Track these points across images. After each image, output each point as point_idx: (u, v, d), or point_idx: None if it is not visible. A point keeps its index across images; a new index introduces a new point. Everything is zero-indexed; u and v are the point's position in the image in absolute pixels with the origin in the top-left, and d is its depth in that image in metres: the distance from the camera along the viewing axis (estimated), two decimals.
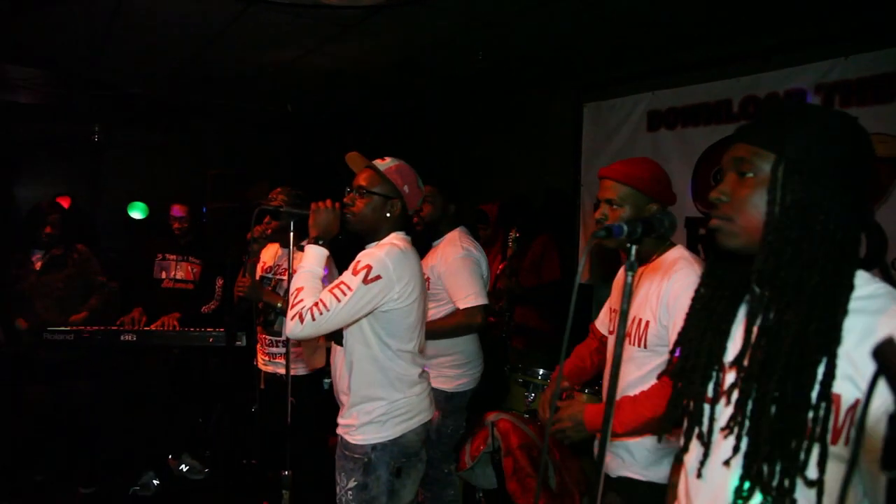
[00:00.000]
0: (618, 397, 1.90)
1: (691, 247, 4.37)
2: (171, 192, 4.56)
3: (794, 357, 1.03)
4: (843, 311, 1.03)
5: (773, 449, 1.04)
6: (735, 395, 1.13)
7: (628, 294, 1.15)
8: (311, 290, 2.16)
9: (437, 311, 3.19)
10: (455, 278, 3.08)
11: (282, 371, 3.36)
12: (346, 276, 2.16)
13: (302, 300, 2.12)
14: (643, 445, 1.99)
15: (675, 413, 1.28)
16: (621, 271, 2.26)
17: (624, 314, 1.13)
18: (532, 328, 4.38)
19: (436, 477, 3.22)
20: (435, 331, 3.02)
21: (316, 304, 2.09)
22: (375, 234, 2.34)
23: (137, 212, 6.06)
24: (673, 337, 1.76)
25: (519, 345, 4.38)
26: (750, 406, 1.09)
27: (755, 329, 1.12)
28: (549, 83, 5.34)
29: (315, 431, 3.77)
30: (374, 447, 2.28)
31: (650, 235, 1.17)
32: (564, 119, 5.20)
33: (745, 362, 1.12)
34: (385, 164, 2.36)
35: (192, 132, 6.87)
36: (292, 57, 4.75)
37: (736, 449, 1.11)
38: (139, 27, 4.13)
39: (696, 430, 1.23)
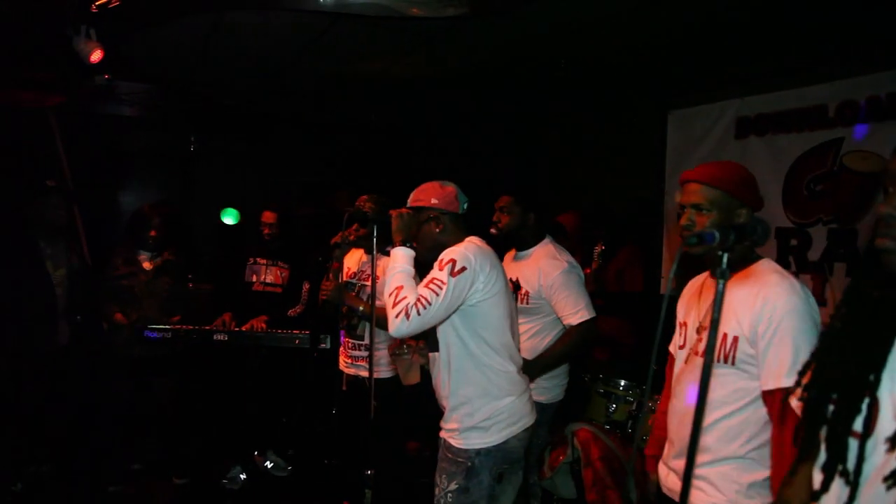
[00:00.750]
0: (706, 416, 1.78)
1: (782, 259, 4.20)
2: (261, 198, 4.76)
3: None
4: None
5: None
6: None
7: (719, 303, 1.13)
8: (409, 288, 2.26)
9: (533, 326, 3.18)
10: (564, 293, 3.06)
11: (363, 374, 3.45)
12: (434, 272, 2.25)
13: (405, 297, 2.21)
14: (730, 478, 1.82)
15: (806, 443, 1.16)
16: (694, 284, 2.15)
17: (715, 322, 1.11)
18: (615, 340, 4.32)
19: (523, 487, 3.23)
20: (554, 358, 3.07)
21: (418, 300, 2.18)
22: (444, 249, 2.39)
23: (230, 217, 6.33)
24: (780, 361, 1.70)
25: (601, 355, 4.32)
26: None
27: None
28: (633, 91, 5.26)
29: (395, 434, 3.84)
30: (478, 452, 2.32)
31: (743, 243, 1.15)
32: (649, 127, 5.11)
33: None
34: (410, 197, 2.53)
35: (280, 142, 7.14)
36: (377, 68, 4.87)
37: None
38: (235, 41, 4.34)
39: (840, 468, 1.10)
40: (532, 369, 2.90)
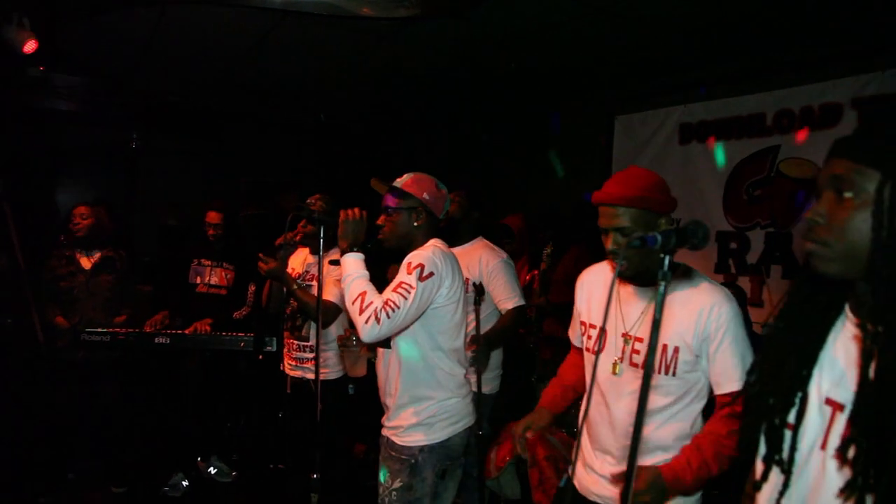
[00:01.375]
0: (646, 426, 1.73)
1: (722, 262, 4.33)
2: (206, 198, 4.65)
3: None
4: None
5: None
6: (852, 449, 1.01)
7: (660, 304, 1.15)
8: (373, 292, 2.23)
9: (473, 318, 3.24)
10: (503, 280, 3.35)
11: (309, 376, 3.40)
12: (402, 276, 2.23)
13: (371, 302, 2.18)
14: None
15: (752, 437, 1.21)
16: (595, 281, 2.14)
17: (657, 323, 1.13)
18: (560, 339, 4.37)
19: (466, 483, 3.24)
20: (497, 337, 3.26)
21: (386, 304, 2.16)
22: (411, 245, 2.42)
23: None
24: (732, 365, 1.74)
25: (547, 355, 4.37)
26: (871, 458, 0.98)
27: (871, 370, 0.99)
28: (580, 95, 5.35)
29: (341, 437, 3.80)
30: (421, 449, 2.32)
31: (684, 246, 1.17)
32: (596, 131, 5.20)
33: (856, 411, 1.03)
34: (402, 180, 2.47)
35: (226, 140, 6.99)
36: (326, 66, 4.82)
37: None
38: (178, 37, 4.24)
39: (776, 458, 1.16)
40: (482, 348, 3.03)
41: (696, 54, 4.20)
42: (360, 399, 3.13)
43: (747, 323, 1.95)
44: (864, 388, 1.00)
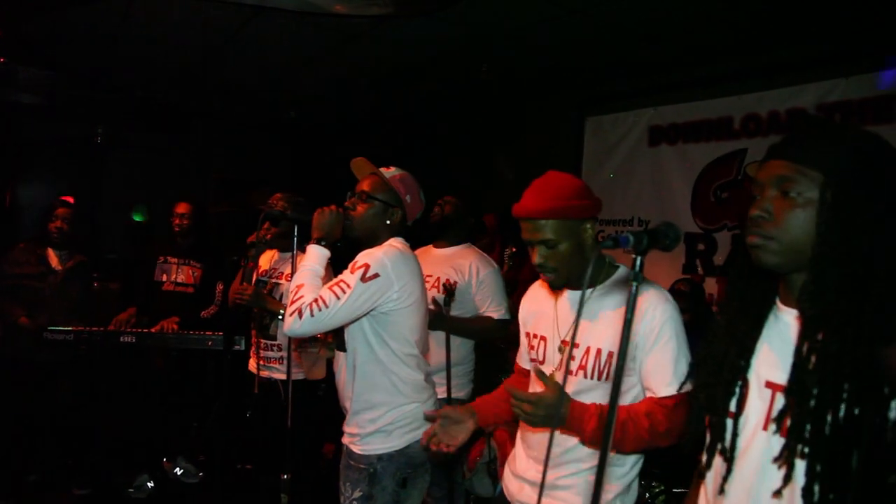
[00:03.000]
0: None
1: (690, 263, 4.39)
2: (173, 195, 4.57)
3: (855, 383, 1.01)
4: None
5: (844, 477, 1.01)
6: (787, 421, 1.10)
7: (632, 308, 1.16)
8: (311, 287, 2.16)
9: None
10: (493, 289, 3.30)
11: (276, 375, 3.37)
12: (345, 274, 2.15)
13: (302, 296, 2.12)
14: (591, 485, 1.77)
15: (697, 428, 1.27)
16: (537, 293, 2.10)
17: (629, 323, 1.14)
18: None
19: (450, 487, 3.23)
20: (466, 325, 3.22)
21: (315, 301, 2.08)
22: (374, 240, 2.34)
23: (138, 217, 6.08)
24: (665, 367, 1.70)
25: (514, 355, 4.39)
26: (807, 434, 1.06)
27: (804, 352, 1.08)
28: (551, 96, 5.38)
29: (310, 437, 3.77)
30: (379, 457, 2.25)
31: (655, 247, 1.18)
32: (566, 132, 5.23)
33: (792, 384, 1.10)
34: (389, 172, 2.38)
35: (195, 136, 6.89)
36: (297, 64, 4.78)
37: (787, 478, 1.09)
38: (147, 31, 4.16)
39: (719, 446, 1.22)
40: (444, 321, 3.04)
41: (667, 58, 4.26)
42: (329, 399, 3.10)
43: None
44: (799, 364, 1.08)
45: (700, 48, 4.02)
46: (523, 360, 2.15)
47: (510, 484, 2.03)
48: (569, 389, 1.80)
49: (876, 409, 1.00)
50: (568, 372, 1.83)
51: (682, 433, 1.49)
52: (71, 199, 4.25)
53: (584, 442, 1.76)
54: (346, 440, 2.38)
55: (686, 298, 3.79)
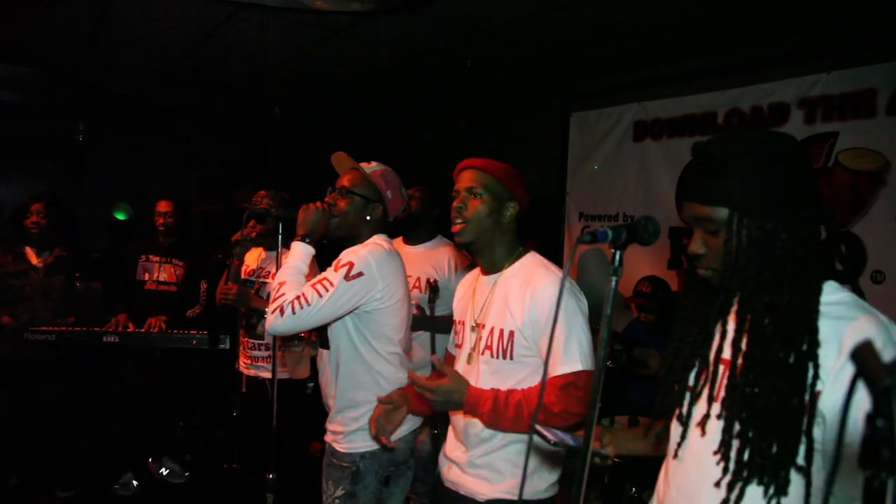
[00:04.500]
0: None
1: (675, 257, 4.40)
2: (155, 193, 4.53)
3: (781, 354, 1.17)
4: (815, 317, 1.18)
5: (769, 438, 1.16)
6: (723, 390, 1.27)
7: (612, 300, 1.16)
8: (293, 284, 2.15)
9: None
10: None
11: (264, 374, 3.36)
12: (329, 272, 2.15)
13: (284, 294, 2.11)
14: (508, 460, 1.88)
15: (665, 402, 1.41)
16: (465, 281, 2.20)
17: (608, 318, 1.14)
18: None
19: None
20: (446, 327, 3.12)
21: (297, 298, 2.07)
22: (356, 237, 2.34)
23: (121, 215, 6.02)
24: (547, 346, 1.72)
25: None
26: (742, 400, 1.21)
27: (743, 334, 1.25)
28: (536, 92, 5.38)
29: (297, 436, 3.75)
30: (362, 455, 2.25)
31: (634, 241, 1.19)
32: (551, 128, 5.23)
33: (733, 359, 1.26)
34: (370, 167, 2.37)
35: (178, 134, 6.82)
36: (281, 60, 4.75)
37: (726, 442, 1.22)
38: (127, 27, 4.12)
39: (677, 412, 1.37)
40: (427, 322, 3.04)
41: (651, 53, 4.27)
42: (316, 398, 3.09)
43: None
44: (733, 341, 1.26)
45: (683, 43, 4.03)
46: (450, 345, 2.23)
47: (442, 465, 2.12)
48: (487, 369, 1.91)
49: (787, 384, 1.16)
50: (481, 352, 1.94)
51: (579, 414, 1.74)
52: (50, 198, 4.18)
53: (484, 424, 1.86)
54: (328, 438, 2.38)
55: (648, 299, 3.79)
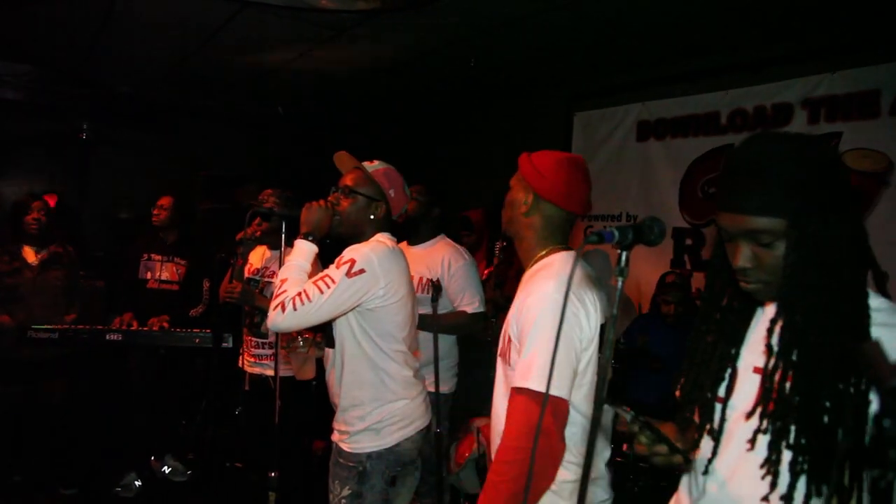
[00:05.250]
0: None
1: (678, 258, 4.40)
2: (159, 192, 4.54)
3: (835, 364, 1.13)
4: (868, 324, 1.14)
5: (825, 448, 1.11)
6: (762, 401, 1.21)
7: (618, 300, 1.16)
8: (295, 281, 2.15)
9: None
10: (465, 283, 3.32)
11: (268, 373, 3.35)
12: (331, 269, 2.15)
13: (286, 290, 2.11)
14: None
15: (687, 409, 1.36)
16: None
17: (614, 318, 1.14)
18: None
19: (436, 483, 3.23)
20: (450, 325, 3.21)
21: (298, 295, 2.07)
22: (360, 236, 2.33)
23: None
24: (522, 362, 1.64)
25: None
26: (795, 410, 1.16)
27: (779, 339, 1.21)
28: (540, 91, 5.37)
29: (300, 434, 3.75)
30: (369, 455, 2.24)
31: (640, 242, 1.18)
32: (554, 127, 5.23)
33: (776, 370, 1.20)
34: (373, 166, 2.37)
35: (182, 132, 6.82)
36: (285, 59, 4.75)
37: (775, 454, 1.17)
38: (132, 26, 4.12)
39: (708, 427, 1.31)
40: (428, 322, 2.99)
41: (655, 53, 4.26)
42: (320, 396, 3.10)
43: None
44: (782, 350, 1.21)
45: (687, 43, 4.03)
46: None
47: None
48: (500, 376, 1.87)
49: (846, 391, 1.11)
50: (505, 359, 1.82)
51: (515, 447, 1.57)
52: (52, 198, 4.17)
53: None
54: (335, 437, 2.37)
55: (679, 288, 3.83)
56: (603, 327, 1.74)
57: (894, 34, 3.38)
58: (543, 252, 1.84)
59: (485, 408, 3.43)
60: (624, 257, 1.17)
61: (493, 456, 1.81)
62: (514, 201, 1.90)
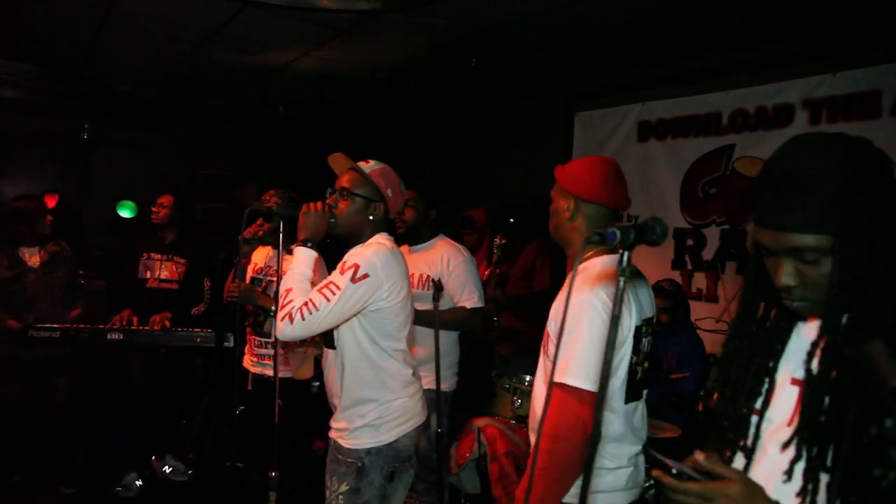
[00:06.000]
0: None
1: (679, 258, 4.40)
2: (159, 191, 4.54)
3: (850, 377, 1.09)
4: None
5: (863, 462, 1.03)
6: (799, 414, 1.17)
7: (620, 300, 1.16)
8: (300, 290, 2.16)
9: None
10: (465, 279, 3.34)
11: (270, 372, 3.35)
12: (335, 275, 2.15)
13: (291, 300, 2.12)
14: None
15: (725, 427, 1.31)
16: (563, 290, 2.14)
17: (616, 319, 1.14)
18: (519, 331, 4.39)
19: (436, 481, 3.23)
20: (442, 321, 3.11)
21: (305, 304, 2.08)
22: (358, 237, 2.35)
23: (126, 211, 6.01)
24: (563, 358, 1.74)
25: (506, 350, 4.39)
26: (814, 426, 1.13)
27: (816, 352, 1.17)
28: (541, 91, 5.38)
29: (301, 434, 3.75)
30: (368, 451, 2.26)
31: (642, 242, 1.18)
32: (555, 127, 5.23)
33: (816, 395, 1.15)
34: (369, 166, 2.37)
35: (183, 132, 6.82)
36: (286, 59, 4.75)
37: (812, 484, 1.12)
38: (132, 25, 4.12)
39: (742, 443, 1.27)
40: (423, 318, 3.01)
41: (655, 53, 4.26)
42: (320, 397, 3.10)
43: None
44: (823, 365, 1.15)
45: (688, 43, 4.03)
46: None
47: None
48: (541, 372, 1.98)
49: (868, 402, 1.04)
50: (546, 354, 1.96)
51: (560, 436, 1.70)
52: (53, 198, 4.17)
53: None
54: (333, 434, 2.39)
55: (672, 297, 3.81)
56: (638, 329, 1.85)
57: (895, 35, 3.38)
58: (590, 254, 1.94)
59: (485, 407, 3.44)
60: (626, 257, 1.17)
61: (533, 443, 1.92)
62: (558, 209, 2.01)
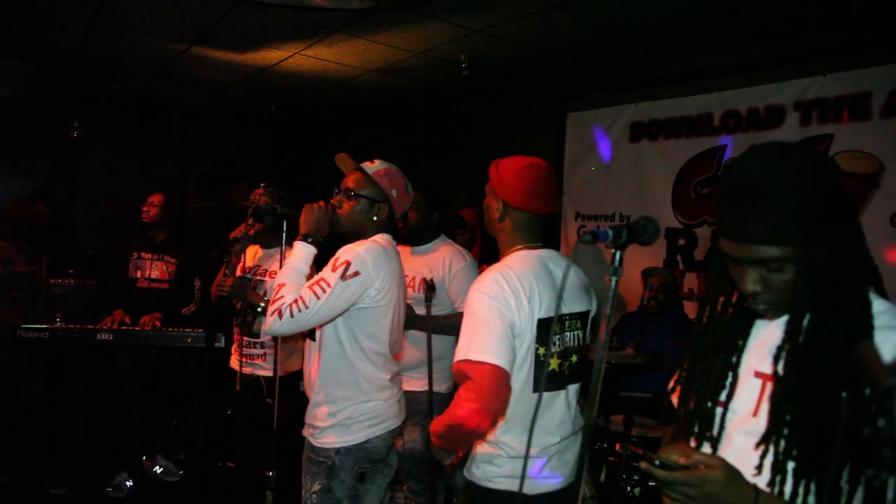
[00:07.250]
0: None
1: (671, 257, 4.41)
2: (150, 190, 4.51)
3: (827, 370, 1.15)
4: (873, 330, 1.15)
5: (826, 451, 1.10)
6: (769, 408, 1.22)
7: (613, 299, 1.16)
8: (293, 286, 2.15)
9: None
10: (466, 284, 3.26)
11: (259, 372, 3.34)
12: (326, 272, 2.14)
13: (283, 296, 2.11)
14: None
15: (688, 420, 1.37)
16: None
17: (609, 318, 1.14)
18: None
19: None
20: (440, 326, 3.16)
21: (296, 301, 2.08)
22: (361, 237, 2.33)
23: None
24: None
25: None
26: (798, 414, 1.17)
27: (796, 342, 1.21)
28: (532, 92, 5.38)
29: (292, 433, 3.74)
30: (338, 451, 2.25)
31: (634, 241, 1.19)
32: (548, 128, 5.24)
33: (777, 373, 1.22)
34: (374, 167, 2.36)
35: (174, 131, 6.80)
36: (278, 58, 4.74)
37: (778, 458, 1.18)
38: (124, 23, 4.10)
39: (707, 434, 1.33)
40: (420, 321, 3.02)
41: (647, 54, 4.27)
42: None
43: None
44: (790, 357, 1.22)
45: (680, 44, 4.04)
46: None
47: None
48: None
49: (849, 395, 1.11)
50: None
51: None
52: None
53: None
54: (306, 432, 2.38)
55: (658, 277, 4.01)
56: (541, 322, 1.85)
57: (885, 37, 3.41)
58: (509, 251, 2.01)
59: None
60: (618, 256, 1.17)
61: None
62: (489, 208, 2.09)
